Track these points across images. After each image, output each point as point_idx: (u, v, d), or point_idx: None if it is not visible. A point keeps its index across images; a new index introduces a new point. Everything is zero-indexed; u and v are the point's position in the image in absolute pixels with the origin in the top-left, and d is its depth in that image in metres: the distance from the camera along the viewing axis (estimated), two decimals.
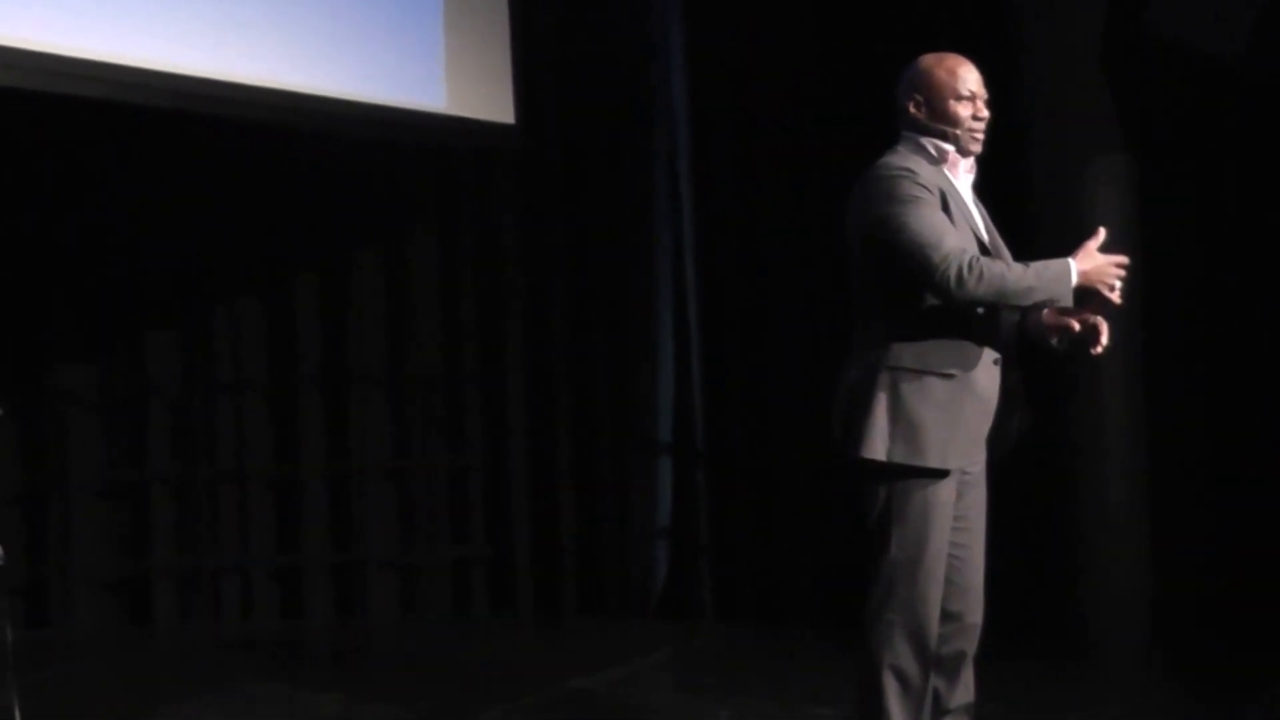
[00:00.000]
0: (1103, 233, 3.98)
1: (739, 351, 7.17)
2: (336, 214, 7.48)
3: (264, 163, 7.24)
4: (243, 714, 5.70)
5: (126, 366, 7.46)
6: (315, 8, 6.31)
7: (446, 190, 7.61)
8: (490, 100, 6.96)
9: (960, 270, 3.85)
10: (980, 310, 3.98)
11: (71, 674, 6.40)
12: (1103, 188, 6.19)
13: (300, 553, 7.49)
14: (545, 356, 7.52)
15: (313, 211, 7.45)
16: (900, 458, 3.96)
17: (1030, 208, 6.15)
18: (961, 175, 4.08)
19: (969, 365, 4.00)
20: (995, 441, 4.12)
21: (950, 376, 3.97)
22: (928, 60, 4.09)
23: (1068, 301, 3.95)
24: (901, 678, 4.01)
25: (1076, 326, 4.02)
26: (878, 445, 3.96)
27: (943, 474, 3.99)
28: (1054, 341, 4.11)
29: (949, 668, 4.13)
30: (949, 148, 4.05)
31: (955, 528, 4.08)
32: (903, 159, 4.01)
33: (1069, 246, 3.97)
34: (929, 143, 4.06)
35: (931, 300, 3.94)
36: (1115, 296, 3.98)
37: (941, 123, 4.03)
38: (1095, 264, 3.94)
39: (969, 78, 4.05)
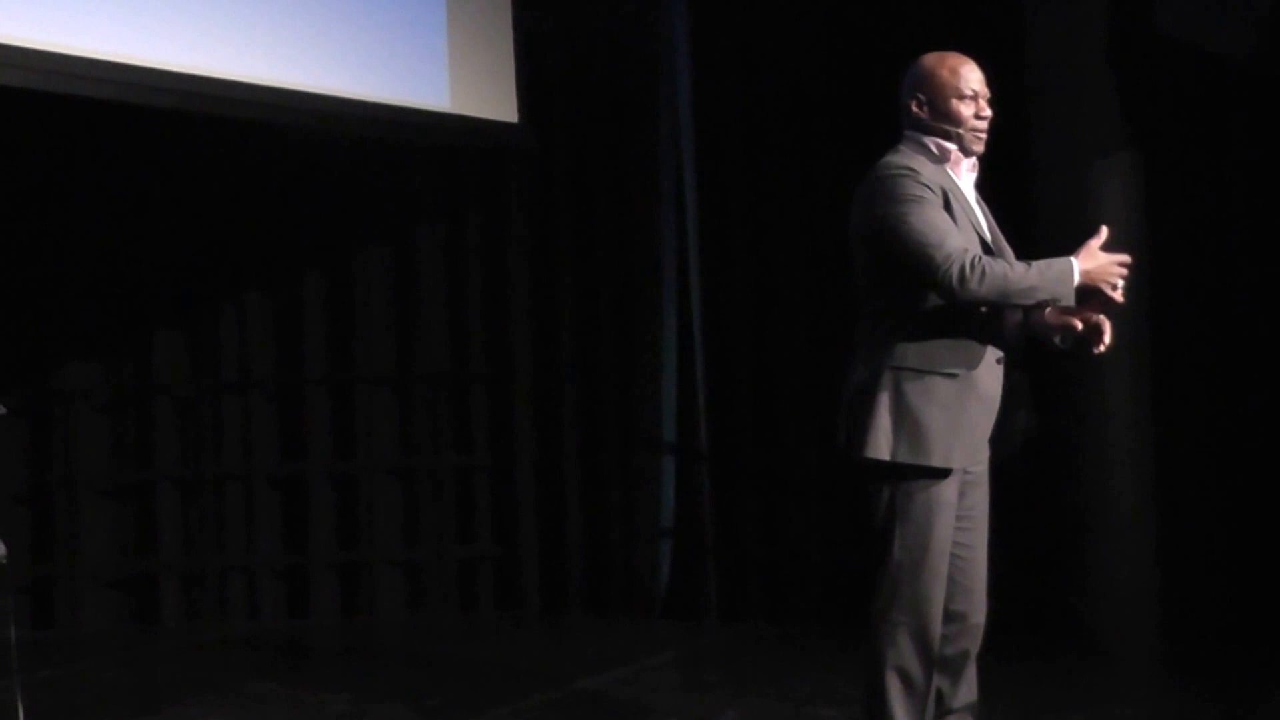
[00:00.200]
0: (1105, 231, 3.98)
1: (743, 351, 7.16)
2: (343, 213, 7.50)
3: (271, 162, 7.26)
4: (249, 713, 5.70)
5: (133, 365, 7.48)
6: (319, 7, 6.32)
7: (453, 190, 7.61)
8: (494, 99, 6.97)
9: (963, 270, 3.84)
10: (983, 309, 3.99)
11: (78, 673, 6.41)
12: (1107, 186, 6.17)
13: (307, 552, 7.49)
14: (551, 356, 7.52)
15: (319, 211, 7.47)
16: (904, 457, 3.97)
17: (1033, 206, 6.13)
18: (964, 174, 4.08)
19: (973, 364, 4.00)
20: (999, 441, 4.12)
21: (954, 376, 3.98)
22: (930, 60, 4.09)
23: (1070, 300, 3.94)
24: (905, 678, 4.01)
25: (1079, 325, 4.02)
26: (882, 445, 3.97)
27: (946, 473, 4.00)
28: (1057, 340, 4.11)
29: (953, 667, 4.13)
30: (951, 147, 4.05)
31: (959, 527, 4.08)
32: (905, 158, 4.02)
33: (1072, 245, 3.97)
34: (931, 142, 4.06)
35: (935, 300, 3.95)
36: (1118, 295, 3.98)
37: (944, 122, 4.03)
38: (1098, 263, 3.94)
39: (971, 77, 4.05)
